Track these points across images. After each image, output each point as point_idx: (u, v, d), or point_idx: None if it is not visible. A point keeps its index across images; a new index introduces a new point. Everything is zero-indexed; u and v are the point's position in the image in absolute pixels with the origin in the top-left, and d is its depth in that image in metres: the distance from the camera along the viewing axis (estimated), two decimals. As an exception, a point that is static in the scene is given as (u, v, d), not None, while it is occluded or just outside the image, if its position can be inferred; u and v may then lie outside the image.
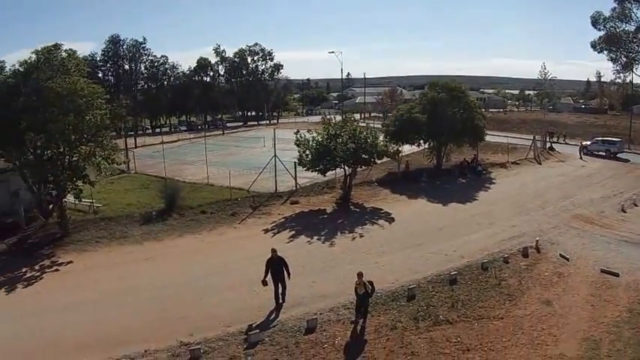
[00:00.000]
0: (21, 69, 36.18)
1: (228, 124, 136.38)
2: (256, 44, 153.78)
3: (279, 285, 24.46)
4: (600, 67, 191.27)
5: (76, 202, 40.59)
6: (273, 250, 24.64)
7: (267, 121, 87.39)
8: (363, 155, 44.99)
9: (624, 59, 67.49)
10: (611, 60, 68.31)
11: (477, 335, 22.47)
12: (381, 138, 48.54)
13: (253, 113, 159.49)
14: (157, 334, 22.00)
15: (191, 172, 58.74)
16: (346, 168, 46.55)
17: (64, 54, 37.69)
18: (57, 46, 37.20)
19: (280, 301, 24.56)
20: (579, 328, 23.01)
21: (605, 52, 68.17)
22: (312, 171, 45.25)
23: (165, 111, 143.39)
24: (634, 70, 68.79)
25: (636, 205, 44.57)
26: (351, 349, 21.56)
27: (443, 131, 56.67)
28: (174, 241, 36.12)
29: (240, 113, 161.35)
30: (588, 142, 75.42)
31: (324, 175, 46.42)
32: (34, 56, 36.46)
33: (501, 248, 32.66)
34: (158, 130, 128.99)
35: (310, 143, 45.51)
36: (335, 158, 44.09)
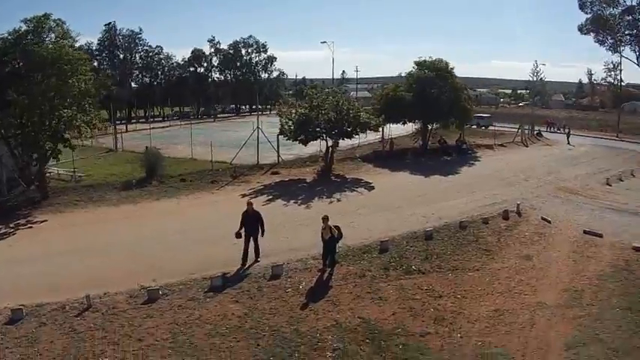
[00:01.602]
0: (10, 38, 35.48)
1: (220, 115, 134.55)
2: (250, 36, 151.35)
3: (251, 240, 22.88)
4: (592, 67, 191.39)
5: (59, 171, 41.32)
6: (249, 204, 23.42)
7: (260, 112, 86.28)
8: (346, 126, 43.73)
9: (610, 40, 66.92)
10: (598, 42, 67.94)
11: (450, 284, 21.34)
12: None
13: (247, 107, 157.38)
14: (121, 281, 20.86)
15: (177, 150, 57.88)
16: (328, 140, 45.64)
17: (52, 24, 36.98)
18: (46, 16, 36.62)
19: (254, 257, 23.16)
20: (560, 280, 21.87)
21: (592, 34, 67.52)
22: (292, 140, 44.19)
23: (159, 101, 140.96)
24: (620, 51, 68.40)
25: (622, 180, 44.13)
26: (315, 293, 20.43)
27: (429, 111, 55.44)
28: (151, 204, 35.33)
29: (234, 106, 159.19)
30: None
31: (305, 145, 45.47)
32: (24, 26, 35.92)
33: (482, 212, 31.47)
34: (151, 119, 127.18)
35: (292, 115, 44.46)
36: (316, 129, 42.99)
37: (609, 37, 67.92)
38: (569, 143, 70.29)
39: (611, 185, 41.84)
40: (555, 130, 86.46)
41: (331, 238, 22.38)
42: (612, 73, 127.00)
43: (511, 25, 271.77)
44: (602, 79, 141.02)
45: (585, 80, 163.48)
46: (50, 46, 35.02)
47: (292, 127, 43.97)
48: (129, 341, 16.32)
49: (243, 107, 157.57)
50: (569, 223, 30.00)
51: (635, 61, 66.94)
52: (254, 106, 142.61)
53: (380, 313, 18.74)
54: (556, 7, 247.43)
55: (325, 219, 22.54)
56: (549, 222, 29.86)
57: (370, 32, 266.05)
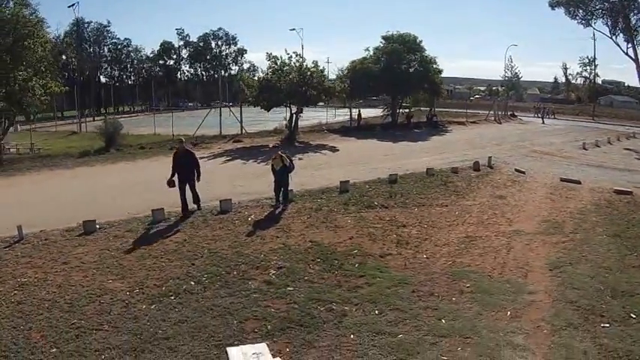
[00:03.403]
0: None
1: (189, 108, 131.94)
2: (220, 29, 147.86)
3: (187, 188, 19.55)
4: (567, 61, 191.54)
5: (18, 146, 41.51)
6: (180, 141, 20.59)
7: (230, 105, 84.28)
8: (310, 91, 41.94)
9: (582, 13, 66.05)
10: (569, 14, 66.82)
11: (415, 217, 19.33)
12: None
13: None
14: (62, 221, 18.67)
15: (141, 130, 55.94)
16: (292, 107, 43.96)
17: None
18: None
19: (196, 206, 19.87)
20: (538, 214, 20.02)
21: (563, 8, 66.53)
22: (255, 106, 42.62)
23: (129, 99, 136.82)
24: (592, 24, 67.71)
25: (598, 147, 42.82)
26: (264, 223, 18.41)
27: (397, 83, 53.73)
28: (106, 166, 33.49)
29: (200, 104, 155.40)
30: None
31: (268, 111, 44.02)
32: None
33: (451, 166, 29.37)
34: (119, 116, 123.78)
35: (254, 81, 43.23)
36: (279, 93, 41.09)
37: (580, 10, 66.67)
38: (543, 123, 69.43)
39: (587, 150, 40.53)
40: (543, 115, 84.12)
41: (283, 167, 20.36)
42: (587, 67, 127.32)
43: (485, 25, 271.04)
44: (577, 73, 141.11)
45: (560, 76, 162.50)
46: (7, 11, 34.22)
47: (254, 93, 42.27)
48: (53, 264, 14.62)
49: (214, 104, 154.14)
50: (544, 174, 28.38)
51: (608, 35, 65.71)
52: (225, 102, 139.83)
53: (335, 237, 16.78)
54: (530, 6, 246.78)
55: (276, 147, 20.59)
56: (523, 173, 28.24)
57: (341, 32, 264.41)
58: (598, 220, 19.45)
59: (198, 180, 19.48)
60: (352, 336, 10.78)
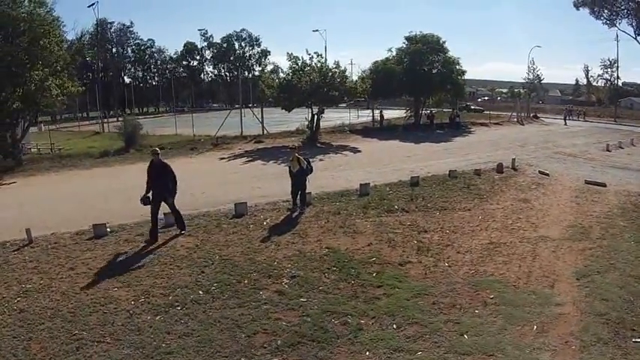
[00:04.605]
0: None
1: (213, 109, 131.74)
2: (243, 30, 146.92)
3: (159, 207, 16.92)
4: (588, 63, 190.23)
5: (38, 145, 41.84)
6: (155, 153, 17.07)
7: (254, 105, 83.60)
8: (332, 92, 41.34)
9: (607, 13, 65.21)
10: (593, 14, 66.07)
11: (437, 221, 18.64)
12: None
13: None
14: (73, 223, 18.38)
15: (163, 130, 56.02)
16: (313, 108, 43.49)
17: None
18: None
19: (179, 228, 17.39)
20: (564, 219, 19.23)
21: (588, 8, 65.74)
22: (275, 106, 42.57)
23: (153, 101, 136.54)
24: (617, 24, 66.84)
25: (622, 148, 41.81)
26: (280, 228, 17.78)
27: (420, 84, 53.06)
28: (124, 167, 33.28)
29: (225, 106, 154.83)
30: None
31: (289, 111, 43.64)
32: None
33: (474, 168, 28.63)
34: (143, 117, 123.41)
35: (274, 81, 42.66)
36: (301, 94, 40.64)
37: (605, 10, 65.62)
38: (566, 124, 68.71)
39: (610, 151, 39.52)
40: (573, 118, 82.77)
41: (300, 170, 19.63)
42: (609, 69, 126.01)
43: (507, 29, 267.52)
44: (598, 75, 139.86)
45: (582, 78, 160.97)
46: (23, 10, 34.07)
47: (274, 93, 42.17)
48: (59, 270, 14.23)
49: (238, 106, 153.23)
50: (568, 176, 27.58)
51: (633, 35, 64.63)
52: (250, 105, 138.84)
53: (352, 244, 16.13)
54: (552, 10, 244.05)
55: (293, 149, 20.38)
56: (547, 175, 27.41)
57: (365, 37, 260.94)
58: (625, 224, 18.66)
59: (173, 197, 16.95)
60: (368, 353, 10.14)
